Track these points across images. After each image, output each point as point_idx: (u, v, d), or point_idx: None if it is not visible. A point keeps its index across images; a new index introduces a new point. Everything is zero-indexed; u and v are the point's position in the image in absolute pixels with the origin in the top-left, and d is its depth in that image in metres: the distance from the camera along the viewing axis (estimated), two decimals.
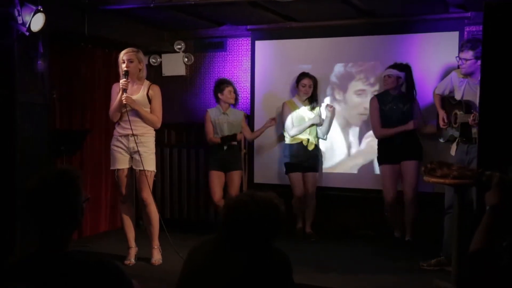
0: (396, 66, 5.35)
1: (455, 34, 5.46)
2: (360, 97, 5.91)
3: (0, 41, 4.36)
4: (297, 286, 2.34)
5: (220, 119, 5.74)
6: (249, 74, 6.31)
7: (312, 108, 5.81)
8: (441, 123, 4.82)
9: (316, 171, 5.86)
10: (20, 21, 4.25)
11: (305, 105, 5.81)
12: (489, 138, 3.28)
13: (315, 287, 4.22)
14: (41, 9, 4.27)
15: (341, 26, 5.94)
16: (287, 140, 5.86)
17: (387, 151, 5.45)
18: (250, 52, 6.29)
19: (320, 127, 5.82)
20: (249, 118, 6.27)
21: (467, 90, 4.62)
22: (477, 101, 4.40)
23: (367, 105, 5.61)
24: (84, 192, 2.02)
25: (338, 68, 5.99)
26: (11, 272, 1.88)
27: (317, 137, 5.87)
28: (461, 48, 4.60)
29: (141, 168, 4.78)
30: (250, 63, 6.30)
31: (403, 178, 5.44)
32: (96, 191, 6.02)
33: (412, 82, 5.38)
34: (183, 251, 4.25)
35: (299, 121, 5.78)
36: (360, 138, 5.94)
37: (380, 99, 5.45)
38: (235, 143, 5.81)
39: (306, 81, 5.75)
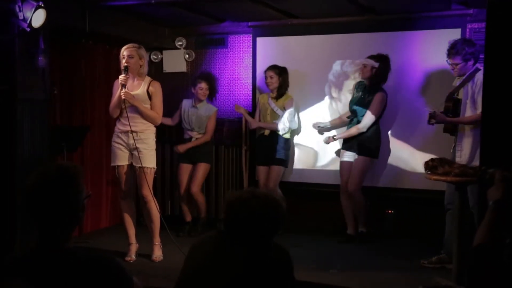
0: (374, 56, 5.38)
1: (457, 31, 5.44)
2: None
3: (1, 37, 4.35)
4: (298, 283, 2.33)
5: (190, 112, 5.87)
6: (251, 71, 6.30)
7: (277, 98, 5.82)
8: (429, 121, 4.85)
9: (277, 164, 5.79)
10: (21, 17, 4.24)
11: (273, 97, 5.84)
12: (491, 136, 3.27)
13: (315, 284, 4.21)
14: (42, 5, 4.26)
15: (343, 23, 5.92)
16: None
17: (346, 140, 5.55)
18: (251, 49, 6.28)
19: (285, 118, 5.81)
20: (250, 114, 6.25)
21: (456, 87, 4.70)
22: (465, 99, 4.52)
23: None
24: (85, 188, 2.00)
25: (339, 65, 5.97)
26: (12, 269, 1.88)
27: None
28: (448, 55, 4.66)
29: (140, 165, 4.77)
30: (251, 60, 6.28)
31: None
32: (97, 188, 6.01)
33: (382, 73, 5.37)
34: (184, 248, 4.24)
35: (263, 112, 5.90)
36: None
37: (357, 86, 5.55)
38: (200, 136, 5.88)
39: (268, 73, 5.80)
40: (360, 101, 5.43)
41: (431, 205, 5.35)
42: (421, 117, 5.59)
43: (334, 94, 5.99)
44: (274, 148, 5.78)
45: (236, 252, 2.17)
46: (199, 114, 5.85)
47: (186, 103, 5.93)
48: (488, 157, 3.15)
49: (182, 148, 5.86)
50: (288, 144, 5.87)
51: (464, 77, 4.60)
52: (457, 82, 4.74)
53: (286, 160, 5.86)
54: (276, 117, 5.80)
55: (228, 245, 2.20)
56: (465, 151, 4.52)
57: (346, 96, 5.88)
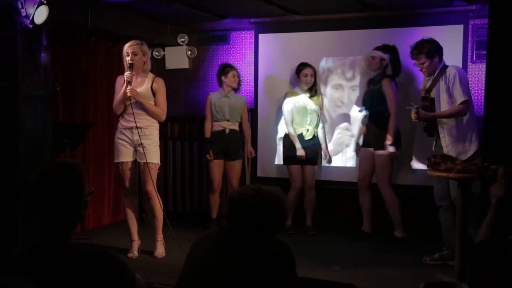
0: (381, 47, 5.35)
1: (460, 27, 5.44)
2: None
3: (4, 33, 4.35)
4: (300, 280, 2.33)
5: (222, 102, 5.78)
6: (253, 67, 6.29)
7: (312, 97, 5.77)
8: (412, 117, 4.81)
9: (314, 164, 5.83)
10: (23, 14, 4.24)
11: (306, 95, 5.78)
12: (494, 132, 3.26)
13: (318, 280, 4.20)
14: (45, 2, 4.27)
15: (345, 20, 5.92)
16: (286, 131, 5.85)
17: (364, 137, 5.57)
18: (253, 45, 6.28)
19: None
20: (252, 111, 6.26)
21: (430, 84, 4.71)
22: (440, 96, 4.56)
23: None
24: (87, 185, 2.01)
25: (342, 61, 5.97)
26: (14, 265, 1.88)
27: (316, 128, 5.81)
28: (412, 57, 4.70)
29: (145, 161, 4.78)
30: (253, 56, 6.28)
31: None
32: (99, 184, 6.02)
33: (396, 65, 5.34)
34: (186, 244, 4.24)
35: (301, 112, 5.74)
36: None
37: (369, 81, 5.51)
38: (236, 128, 5.84)
39: (307, 70, 5.72)
40: (371, 95, 5.42)
41: (433, 202, 5.35)
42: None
43: (321, 90, 6.02)
44: (307, 147, 5.74)
45: (238, 248, 2.17)
46: (231, 103, 5.78)
47: (214, 96, 5.82)
48: (491, 154, 3.15)
49: (252, 150, 5.89)
50: (318, 142, 5.87)
51: (435, 75, 4.62)
52: (427, 82, 4.75)
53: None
54: (316, 116, 5.77)
55: (230, 241, 2.20)
56: (450, 145, 4.55)
57: (332, 92, 5.95)
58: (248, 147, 5.93)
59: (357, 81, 5.92)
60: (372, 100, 5.40)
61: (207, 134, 5.82)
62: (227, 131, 5.79)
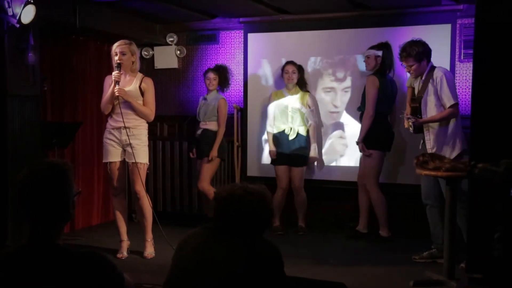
0: (374, 46, 5.36)
1: (447, 27, 5.47)
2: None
3: None
4: (289, 279, 2.33)
5: (201, 103, 5.86)
6: (242, 66, 6.29)
7: (295, 94, 5.73)
8: (405, 125, 4.84)
9: (302, 165, 5.76)
10: (10, 13, 4.21)
11: (291, 94, 5.76)
12: (481, 130, 3.29)
13: (307, 279, 4.21)
14: (32, 1, 4.24)
15: (334, 19, 5.93)
16: (270, 130, 5.86)
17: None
18: (242, 45, 6.28)
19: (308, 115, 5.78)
20: (242, 111, 6.26)
21: (420, 87, 4.72)
22: (428, 98, 4.59)
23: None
24: (76, 185, 2.00)
25: (331, 60, 5.99)
26: (2, 264, 1.87)
27: (303, 126, 5.74)
28: (400, 59, 4.73)
29: (134, 161, 4.76)
30: (242, 56, 6.28)
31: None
32: (88, 184, 5.99)
33: (389, 61, 5.33)
34: (175, 244, 4.24)
35: (282, 111, 5.73)
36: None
37: (379, 78, 5.33)
38: (208, 127, 5.76)
39: (288, 67, 5.72)
40: (391, 93, 5.40)
41: (421, 200, 5.38)
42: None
43: (330, 88, 6.01)
44: (293, 146, 5.70)
45: (226, 247, 2.17)
46: (206, 103, 5.79)
47: (200, 98, 5.93)
48: (478, 152, 3.17)
49: (213, 153, 5.68)
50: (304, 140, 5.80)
51: (423, 77, 4.64)
52: (414, 83, 4.77)
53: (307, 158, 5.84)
54: (300, 115, 5.71)
55: (218, 240, 2.20)
56: (436, 148, 4.57)
57: (322, 94, 5.97)
58: (212, 150, 5.68)
59: (348, 82, 5.92)
60: (392, 99, 5.43)
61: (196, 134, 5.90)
62: (199, 131, 5.82)
